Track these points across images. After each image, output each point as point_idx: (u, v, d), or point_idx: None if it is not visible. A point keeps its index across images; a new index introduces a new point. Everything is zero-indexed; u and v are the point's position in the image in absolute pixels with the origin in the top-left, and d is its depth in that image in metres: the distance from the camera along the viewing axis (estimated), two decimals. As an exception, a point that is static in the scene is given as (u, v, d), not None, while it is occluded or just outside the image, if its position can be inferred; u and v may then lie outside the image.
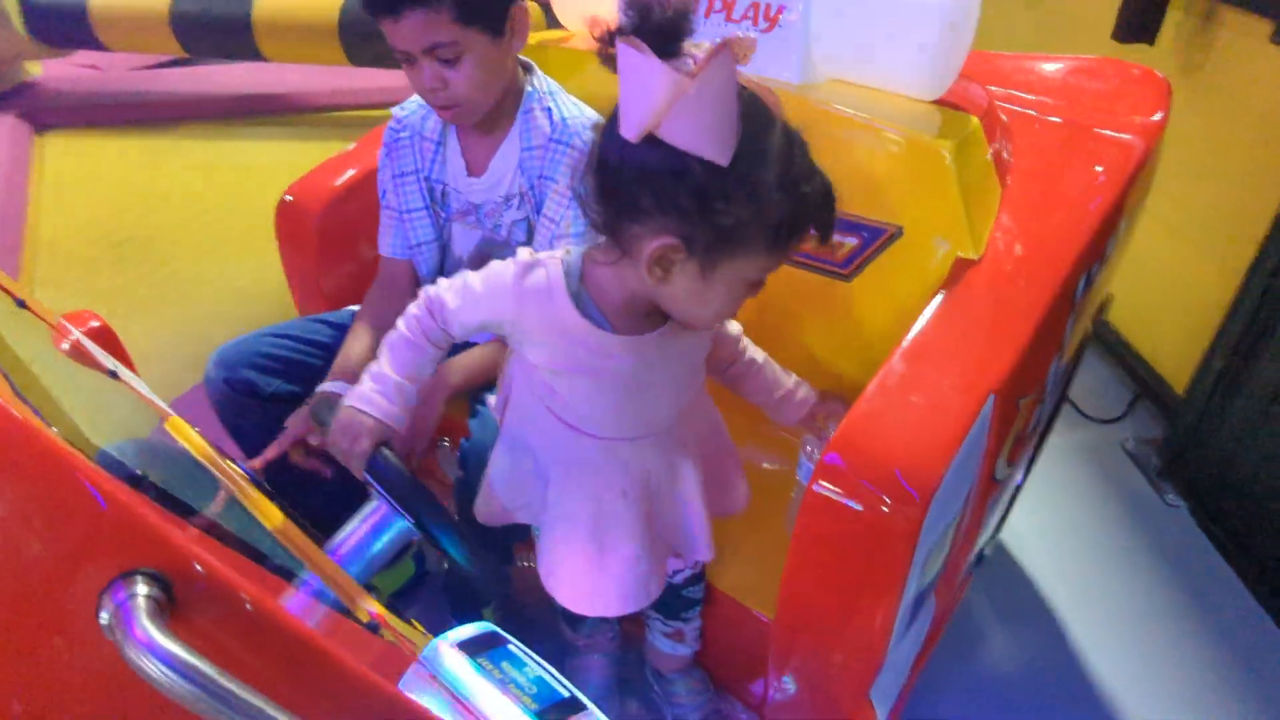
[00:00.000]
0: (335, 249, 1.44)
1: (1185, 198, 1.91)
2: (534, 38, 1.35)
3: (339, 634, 0.64)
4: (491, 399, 1.04)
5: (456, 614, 1.34)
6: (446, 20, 1.01)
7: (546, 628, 1.31)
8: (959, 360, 0.97)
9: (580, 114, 1.17)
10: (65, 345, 0.91)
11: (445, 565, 0.97)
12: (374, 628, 0.68)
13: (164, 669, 0.37)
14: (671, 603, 1.13)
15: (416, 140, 1.23)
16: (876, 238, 1.16)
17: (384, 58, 1.09)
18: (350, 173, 1.44)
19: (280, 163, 3.22)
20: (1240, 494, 1.67)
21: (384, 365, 0.92)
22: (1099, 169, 1.22)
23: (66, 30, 3.36)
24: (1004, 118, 1.27)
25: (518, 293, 0.85)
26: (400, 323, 0.92)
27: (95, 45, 3.39)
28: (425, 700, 0.59)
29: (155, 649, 0.37)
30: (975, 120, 1.14)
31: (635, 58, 0.68)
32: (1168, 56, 1.93)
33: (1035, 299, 1.02)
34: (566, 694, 0.64)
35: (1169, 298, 2.00)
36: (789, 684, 1.06)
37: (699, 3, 1.22)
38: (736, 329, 1.05)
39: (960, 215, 1.08)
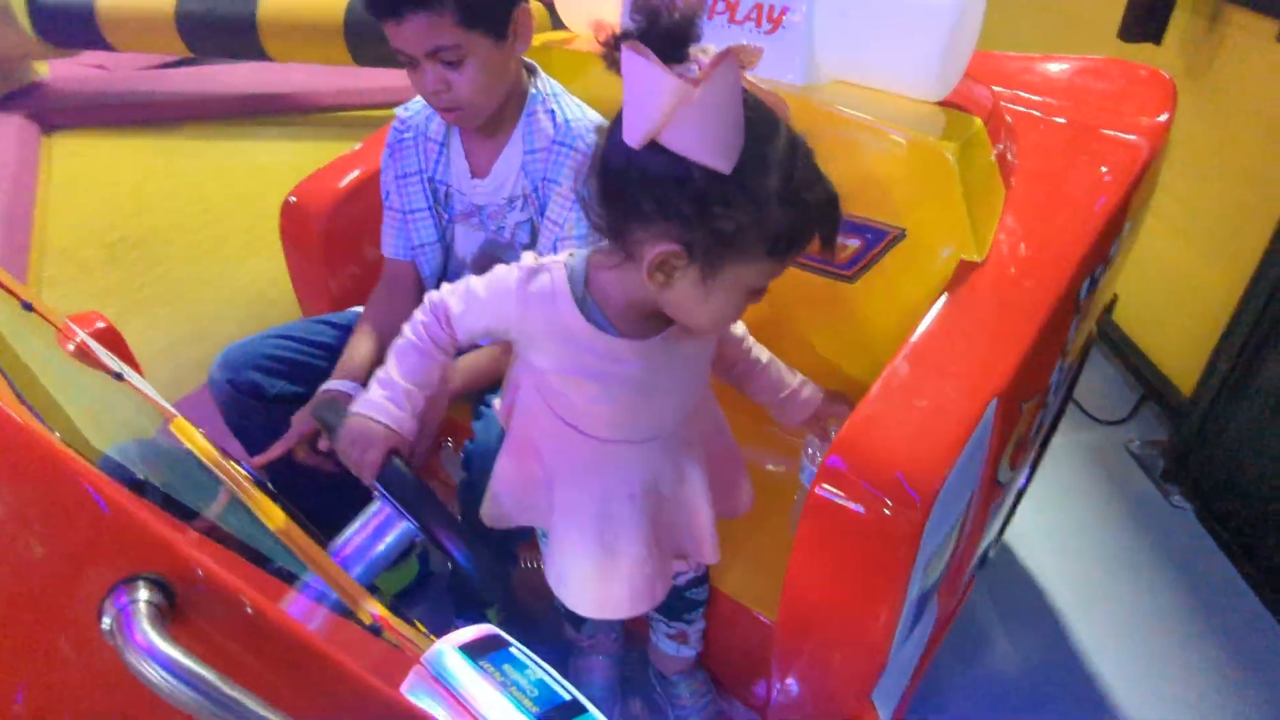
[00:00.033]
0: (339, 250, 1.45)
1: (1192, 198, 1.91)
2: (538, 39, 1.36)
3: (340, 637, 0.64)
4: (496, 402, 1.05)
5: (460, 614, 1.34)
6: (449, 23, 1.01)
7: (550, 628, 1.31)
8: (961, 363, 0.96)
9: (584, 116, 1.17)
10: (71, 347, 0.91)
11: (449, 566, 0.97)
12: (376, 630, 0.69)
13: (165, 675, 0.37)
14: (675, 604, 1.13)
15: (420, 141, 1.23)
16: (880, 239, 1.15)
17: (389, 58, 1.09)
18: (355, 174, 1.44)
19: (286, 163, 3.23)
20: (1246, 496, 1.67)
21: (392, 372, 0.92)
22: (1104, 170, 1.22)
23: (73, 30, 3.37)
24: (1009, 119, 1.27)
25: (522, 298, 0.85)
26: (406, 329, 0.92)
27: (102, 45, 3.40)
28: (426, 703, 0.59)
29: (156, 655, 0.37)
30: (979, 122, 1.14)
31: (639, 63, 0.68)
32: (1174, 56, 1.92)
33: (1039, 302, 1.02)
34: (568, 697, 0.64)
35: (1175, 299, 2.00)
36: (792, 686, 1.06)
37: (702, 4, 1.22)
38: (741, 329, 1.05)
39: (964, 217, 1.08)
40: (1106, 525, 1.77)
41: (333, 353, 1.24)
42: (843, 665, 0.98)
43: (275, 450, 1.13)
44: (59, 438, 0.44)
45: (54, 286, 2.46)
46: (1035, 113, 1.34)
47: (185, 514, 0.58)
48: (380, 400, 0.91)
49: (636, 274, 0.78)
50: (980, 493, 1.00)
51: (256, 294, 2.42)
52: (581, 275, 0.85)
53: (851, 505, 0.85)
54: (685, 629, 1.17)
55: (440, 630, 0.74)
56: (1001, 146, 1.18)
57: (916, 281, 1.13)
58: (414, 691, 0.60)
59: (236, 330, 1.32)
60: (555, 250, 1.14)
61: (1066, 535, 1.74)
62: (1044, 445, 1.54)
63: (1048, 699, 1.42)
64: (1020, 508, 1.59)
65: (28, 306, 0.87)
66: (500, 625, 1.35)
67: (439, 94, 1.07)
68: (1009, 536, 1.68)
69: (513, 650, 0.67)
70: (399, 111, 1.25)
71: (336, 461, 1.05)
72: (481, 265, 1.28)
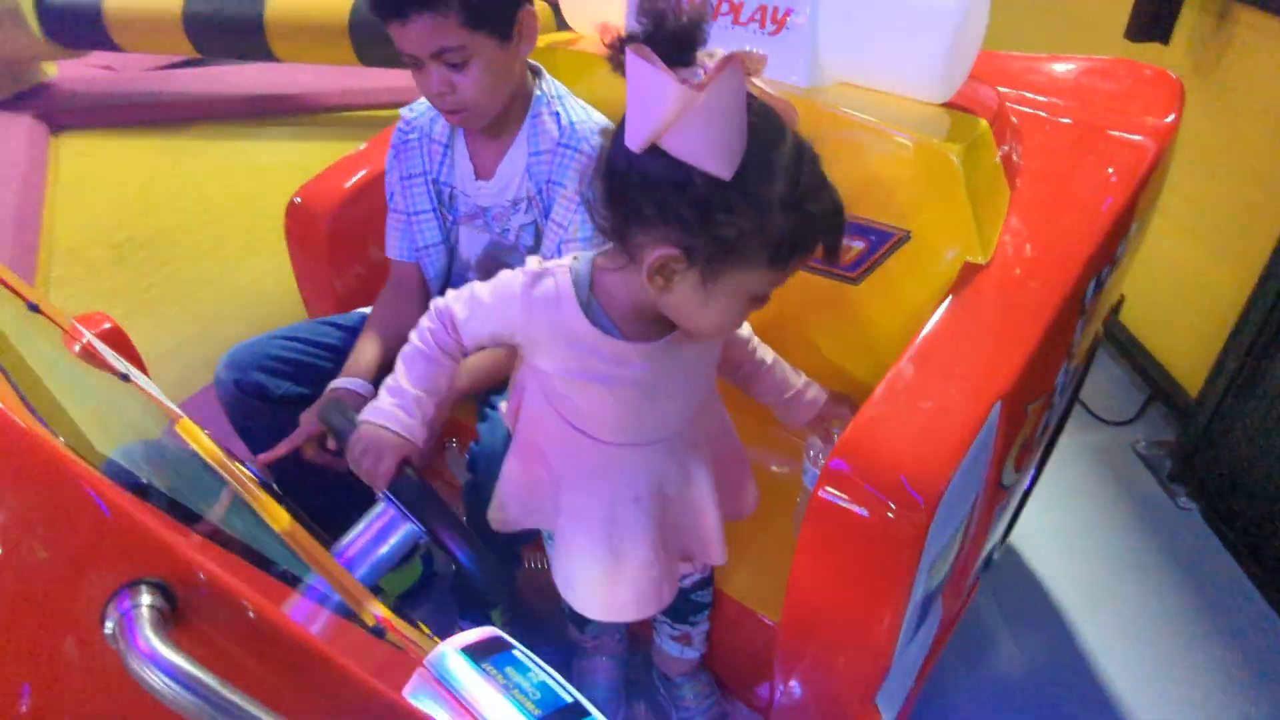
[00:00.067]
0: (344, 251, 1.45)
1: (1199, 198, 1.90)
2: (543, 40, 1.36)
3: (343, 639, 0.64)
4: (503, 404, 1.05)
5: (464, 615, 1.34)
6: (454, 24, 1.01)
7: (554, 628, 1.32)
8: (966, 366, 0.96)
9: (588, 118, 1.17)
10: (77, 348, 0.91)
11: (454, 567, 0.97)
12: (379, 632, 0.69)
13: (166, 680, 0.37)
14: (680, 607, 1.13)
15: (425, 142, 1.23)
16: (884, 241, 1.15)
17: (395, 58, 1.09)
18: (360, 174, 1.45)
19: (292, 163, 3.24)
20: (1253, 497, 1.66)
21: (401, 379, 0.92)
22: (1110, 171, 1.22)
23: (81, 31, 3.38)
24: (1014, 120, 1.27)
25: (526, 302, 0.85)
26: (413, 336, 0.92)
27: (110, 46, 3.42)
28: (428, 705, 0.59)
29: (157, 659, 0.38)
30: (984, 123, 1.13)
31: (643, 67, 0.68)
32: (1182, 56, 1.91)
33: (1044, 303, 1.02)
34: (570, 699, 0.64)
35: (1182, 299, 1.99)
36: (795, 688, 1.06)
37: (709, 8, 1.21)
38: (747, 329, 1.05)
39: (968, 219, 1.07)
40: (1113, 526, 1.76)
41: (338, 354, 1.24)
42: (846, 668, 0.98)
43: (282, 448, 1.13)
44: (62, 442, 0.44)
45: (61, 287, 2.47)
46: (1041, 113, 1.33)
47: (189, 517, 0.58)
48: (391, 408, 0.90)
49: (639, 276, 0.78)
50: (985, 495, 0.99)
51: (262, 294, 2.43)
52: (586, 279, 0.84)
53: (855, 508, 0.85)
54: (690, 631, 1.17)
55: (444, 631, 0.74)
56: (1007, 148, 1.18)
57: (921, 283, 1.13)
58: (416, 694, 0.60)
59: (242, 330, 1.32)
60: (560, 252, 1.14)
61: (1072, 536, 1.74)
62: (1050, 446, 1.53)
63: (1053, 701, 1.42)
64: (1026, 509, 1.59)
65: (34, 308, 0.88)
66: (504, 626, 1.35)
67: (443, 95, 1.07)
68: (1014, 538, 1.68)
69: (515, 653, 0.67)
70: (403, 113, 1.25)
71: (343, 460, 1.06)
72: (485, 267, 1.28)
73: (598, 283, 0.84)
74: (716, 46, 0.70)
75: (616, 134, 0.75)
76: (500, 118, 1.14)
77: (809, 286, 1.21)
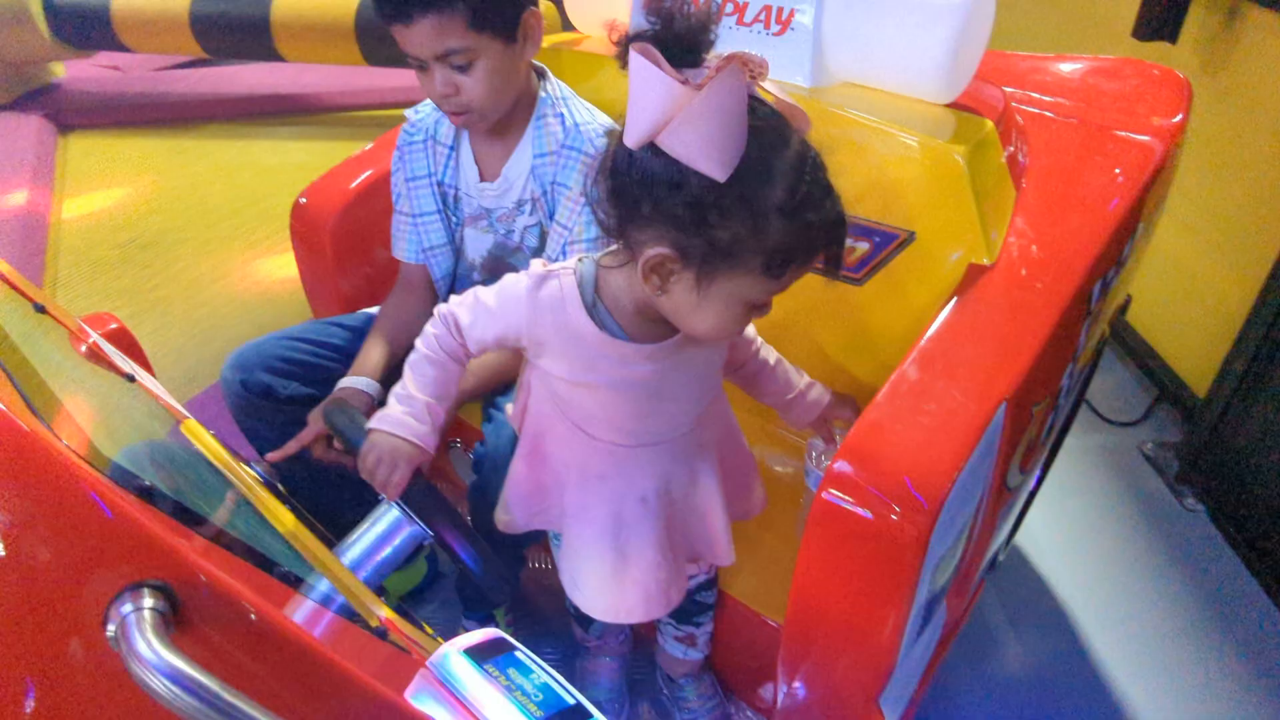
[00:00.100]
0: (349, 252, 1.45)
1: (1207, 198, 1.89)
2: (548, 40, 1.36)
3: (346, 641, 0.64)
4: (509, 406, 1.05)
5: (469, 615, 1.35)
6: (459, 27, 1.01)
7: (558, 628, 1.32)
8: (970, 367, 0.96)
9: (593, 120, 1.17)
10: (84, 348, 0.92)
11: (460, 569, 0.98)
12: (382, 633, 0.69)
13: (167, 683, 0.37)
14: (684, 607, 1.13)
15: (429, 145, 1.23)
16: (889, 243, 1.15)
17: (401, 58, 1.09)
18: (365, 175, 1.45)
19: (299, 163, 3.25)
20: (1260, 498, 1.65)
21: (410, 386, 0.91)
22: (1117, 171, 1.21)
23: (89, 32, 3.41)
24: (1020, 120, 1.26)
25: (532, 305, 0.85)
26: (419, 343, 0.92)
27: (117, 47, 3.43)
28: (430, 706, 0.59)
29: (158, 663, 0.38)
30: (990, 124, 1.13)
31: (644, 65, 0.68)
32: (1189, 55, 1.91)
33: (1049, 305, 1.01)
34: (572, 701, 0.64)
35: (1190, 299, 1.98)
36: (799, 690, 1.06)
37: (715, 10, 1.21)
38: (751, 329, 1.05)
39: (974, 220, 1.07)
40: (1119, 527, 1.76)
41: (344, 354, 1.25)
42: (850, 669, 0.98)
43: (290, 448, 1.13)
44: (65, 444, 0.44)
45: (68, 286, 2.48)
46: (1047, 114, 1.33)
47: (193, 519, 0.58)
48: (402, 415, 0.90)
49: (639, 276, 0.78)
50: (989, 497, 0.99)
51: (268, 294, 2.44)
52: (591, 281, 0.85)
53: (858, 510, 0.84)
54: (693, 632, 1.17)
55: (449, 631, 0.74)
56: (1013, 148, 1.17)
57: (926, 284, 1.13)
58: (419, 695, 0.61)
59: (248, 330, 1.33)
60: (564, 254, 1.14)
61: (1078, 537, 1.73)
62: (1056, 447, 1.53)
63: (1058, 702, 1.42)
64: (1032, 510, 1.58)
65: (40, 308, 0.88)
66: (508, 626, 1.36)
67: (448, 97, 1.07)
68: (1020, 539, 1.67)
69: (518, 654, 0.67)
70: (408, 114, 1.26)
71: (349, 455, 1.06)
72: (490, 268, 1.28)
73: (602, 284, 0.85)
74: (727, 49, 0.70)
75: (621, 132, 0.75)
76: (505, 119, 1.14)
77: (813, 287, 1.20)
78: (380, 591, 0.96)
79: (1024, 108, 1.32)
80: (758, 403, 1.09)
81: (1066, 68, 1.47)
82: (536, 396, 0.94)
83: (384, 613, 0.77)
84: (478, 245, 1.28)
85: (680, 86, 0.66)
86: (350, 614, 0.71)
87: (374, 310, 1.34)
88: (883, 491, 0.83)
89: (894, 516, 0.83)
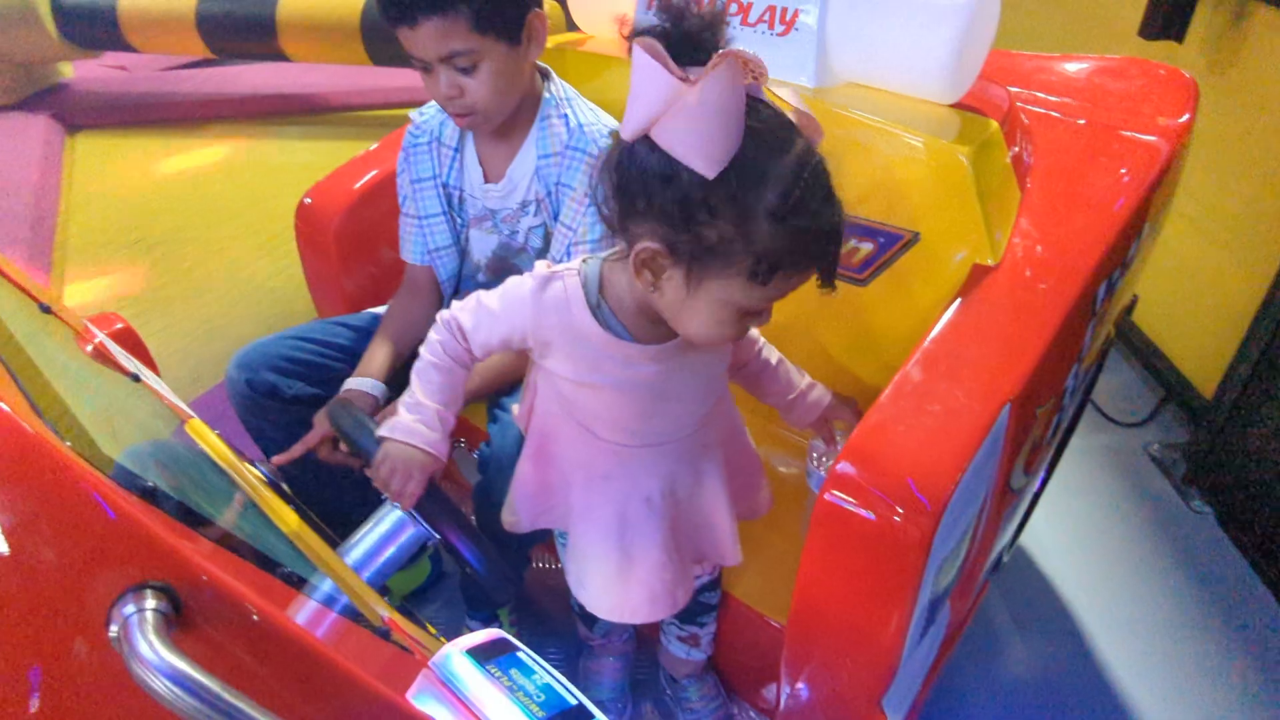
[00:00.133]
0: (354, 252, 1.46)
1: (1214, 197, 1.88)
2: (552, 40, 1.36)
3: (348, 642, 0.64)
4: (515, 407, 1.05)
5: (473, 614, 1.35)
6: (463, 29, 1.01)
7: (561, 627, 1.32)
8: (974, 368, 0.96)
9: (597, 120, 1.17)
10: (89, 348, 0.92)
11: (466, 571, 0.98)
12: (385, 633, 0.69)
13: (168, 684, 0.38)
14: (688, 608, 1.12)
15: (434, 146, 1.23)
16: (893, 243, 1.15)
17: (405, 58, 1.09)
18: (370, 175, 1.45)
19: (304, 162, 3.26)
20: (1267, 499, 1.64)
21: (418, 394, 0.91)
22: (1123, 172, 1.21)
23: (97, 32, 3.42)
24: (1025, 120, 1.26)
25: (536, 306, 0.85)
26: (423, 350, 0.92)
27: (124, 47, 3.45)
28: (432, 706, 0.59)
29: (160, 665, 0.38)
30: (994, 124, 1.13)
31: (644, 59, 0.68)
32: (1196, 54, 1.90)
33: (1054, 306, 1.01)
34: (574, 702, 0.64)
35: (1196, 299, 1.97)
36: (802, 691, 1.06)
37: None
38: (753, 330, 1.05)
39: (978, 221, 1.07)
40: (1125, 529, 1.75)
41: (349, 354, 1.25)
42: (853, 671, 0.98)
43: (296, 450, 1.14)
44: (69, 446, 0.45)
45: (75, 285, 2.49)
46: (1053, 114, 1.33)
47: (197, 519, 0.59)
48: (413, 424, 0.90)
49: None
50: (993, 498, 0.99)
51: (274, 293, 2.45)
52: (595, 281, 0.85)
53: (861, 511, 0.84)
54: (697, 632, 1.17)
55: (452, 630, 0.74)
56: (1017, 148, 1.17)
57: (929, 285, 1.12)
58: (421, 696, 0.61)
59: (254, 328, 1.33)
60: (569, 255, 1.14)
61: (1083, 539, 1.73)
62: (1061, 448, 1.52)
63: (1062, 704, 1.41)
64: (1037, 511, 1.58)
65: (46, 309, 0.88)
66: (512, 625, 1.36)
67: (453, 99, 1.07)
68: (1025, 540, 1.67)
69: (520, 655, 0.67)
70: (413, 116, 1.26)
71: (355, 457, 1.06)
72: (495, 269, 1.29)
73: (607, 285, 0.85)
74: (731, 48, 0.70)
75: None
76: (509, 121, 1.15)
77: (816, 288, 1.21)
78: (384, 591, 0.97)
79: (1029, 108, 1.32)
80: (760, 403, 1.09)
81: (1072, 67, 1.46)
82: (543, 397, 0.94)
83: (387, 613, 0.77)
84: (483, 246, 1.28)
85: (675, 81, 0.67)
86: (353, 614, 0.71)
87: (379, 310, 1.35)
88: (886, 493, 0.83)
89: (897, 518, 0.83)
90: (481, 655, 0.65)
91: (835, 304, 1.23)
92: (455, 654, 0.65)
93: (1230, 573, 1.65)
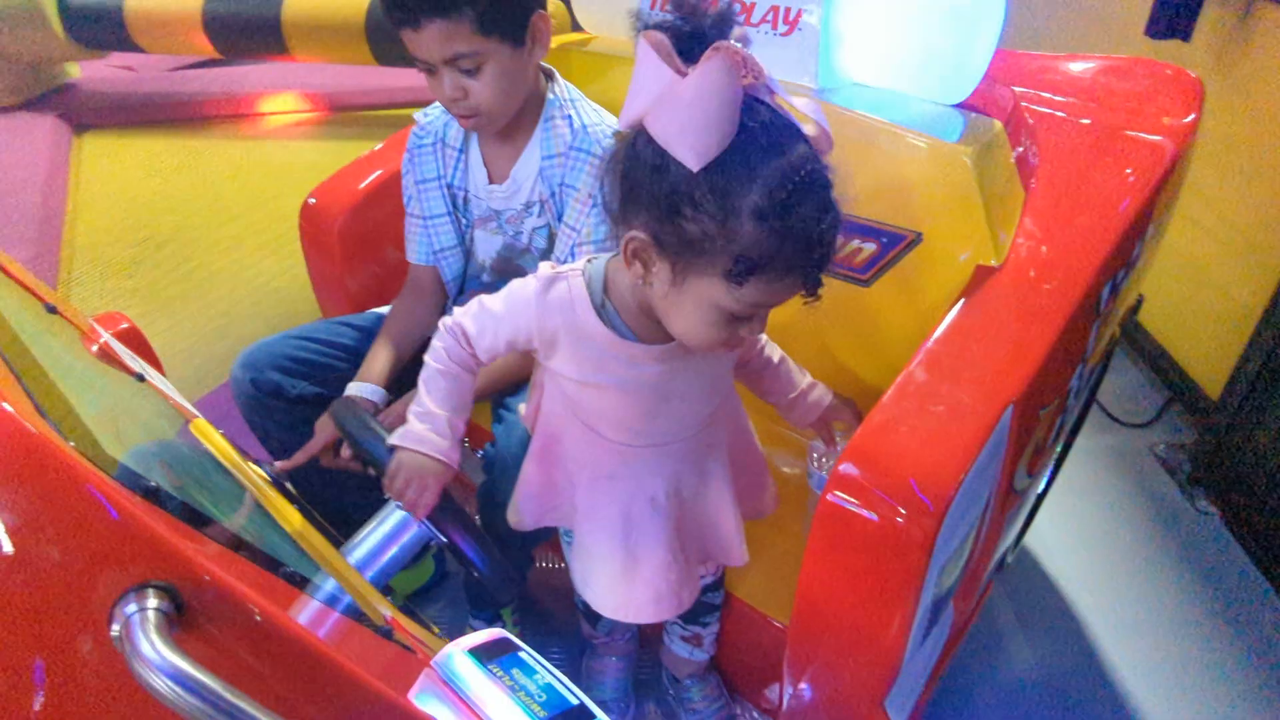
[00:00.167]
0: (358, 252, 1.46)
1: (1220, 197, 1.87)
2: (556, 40, 1.36)
3: (350, 642, 0.65)
4: (521, 407, 1.05)
5: (476, 613, 1.35)
6: (467, 31, 1.01)
7: (564, 627, 1.32)
8: (977, 369, 0.95)
9: (601, 121, 1.17)
10: (95, 348, 0.93)
11: (473, 574, 0.98)
12: (387, 633, 0.69)
13: (170, 684, 0.38)
14: (691, 608, 1.13)
15: (439, 147, 1.24)
16: (896, 244, 1.15)
17: (410, 58, 1.09)
18: (374, 175, 1.46)
19: (309, 162, 3.27)
20: (1273, 501, 1.64)
21: (427, 403, 0.91)
22: (1128, 172, 1.20)
23: (103, 33, 3.43)
24: (1030, 120, 1.25)
25: (540, 307, 0.85)
26: (428, 358, 0.92)
27: (131, 47, 3.46)
28: (434, 706, 0.59)
29: (161, 665, 0.38)
30: (999, 124, 1.12)
31: (646, 52, 0.69)
32: (1203, 53, 1.89)
33: (1058, 307, 1.01)
34: (576, 702, 0.64)
35: (1202, 300, 1.96)
36: (804, 691, 1.06)
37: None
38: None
39: (982, 222, 1.07)
40: (1130, 529, 1.74)
41: (353, 354, 1.25)
42: (856, 671, 0.97)
43: (298, 458, 1.14)
44: (72, 446, 0.45)
45: (81, 285, 2.50)
46: (1058, 114, 1.32)
47: (200, 519, 0.59)
48: (425, 432, 0.90)
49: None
50: (997, 499, 0.99)
51: (278, 293, 2.45)
52: (600, 282, 0.85)
53: (864, 512, 0.84)
54: (700, 632, 1.17)
55: (455, 630, 0.74)
56: (1022, 148, 1.17)
57: (933, 286, 1.12)
58: (423, 695, 0.61)
59: (258, 329, 1.34)
60: (573, 255, 1.14)
61: (1088, 540, 1.72)
62: (1066, 449, 1.52)
63: (1066, 704, 1.41)
64: (1041, 511, 1.57)
65: (51, 309, 0.89)
66: (515, 625, 1.36)
67: (457, 101, 1.07)
68: (1029, 540, 1.67)
69: (522, 655, 0.67)
70: (417, 117, 1.26)
71: (360, 462, 1.07)
72: (500, 269, 1.29)
73: (611, 285, 0.85)
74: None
75: (630, 131, 0.76)
76: (513, 122, 1.15)
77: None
78: (387, 591, 0.97)
79: (1034, 107, 1.31)
80: (760, 402, 1.09)
81: (1077, 67, 1.46)
82: (549, 397, 0.94)
83: (390, 612, 0.78)
84: (487, 247, 1.28)
85: (669, 72, 0.68)
86: (356, 614, 0.71)
87: (383, 310, 1.35)
88: (888, 493, 0.83)
89: (899, 519, 0.83)
90: (483, 655, 0.66)
91: (839, 304, 1.22)
92: (457, 653, 0.65)
93: (1235, 573, 1.65)
